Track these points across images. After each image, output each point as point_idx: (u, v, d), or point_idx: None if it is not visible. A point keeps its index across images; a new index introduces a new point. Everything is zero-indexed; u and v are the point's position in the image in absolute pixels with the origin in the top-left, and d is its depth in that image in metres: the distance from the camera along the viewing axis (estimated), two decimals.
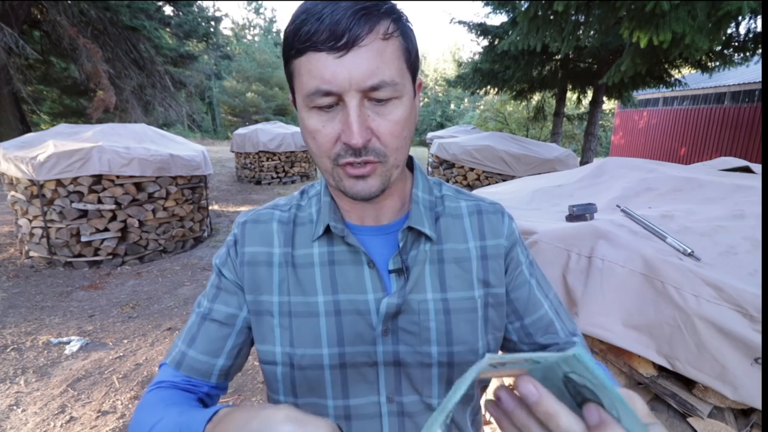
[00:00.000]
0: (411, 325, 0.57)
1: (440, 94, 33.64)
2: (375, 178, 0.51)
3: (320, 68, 0.45)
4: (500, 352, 0.67)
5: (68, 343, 2.84)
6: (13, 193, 4.15)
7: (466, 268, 0.60)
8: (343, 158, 0.49)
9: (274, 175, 9.49)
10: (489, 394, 1.76)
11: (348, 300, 0.57)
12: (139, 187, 4.28)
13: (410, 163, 0.66)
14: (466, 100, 33.24)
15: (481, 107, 23.87)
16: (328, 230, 0.59)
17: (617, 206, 1.54)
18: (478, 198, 0.66)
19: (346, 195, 0.53)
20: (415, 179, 0.63)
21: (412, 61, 0.52)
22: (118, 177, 4.06)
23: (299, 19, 0.46)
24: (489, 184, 5.42)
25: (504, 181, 5.47)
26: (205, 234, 5.40)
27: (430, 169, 7.39)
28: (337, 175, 0.51)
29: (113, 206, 4.08)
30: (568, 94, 9.46)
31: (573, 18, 5.44)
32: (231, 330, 0.60)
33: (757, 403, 0.92)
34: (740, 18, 4.35)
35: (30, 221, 4.08)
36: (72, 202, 3.96)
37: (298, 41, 0.46)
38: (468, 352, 0.58)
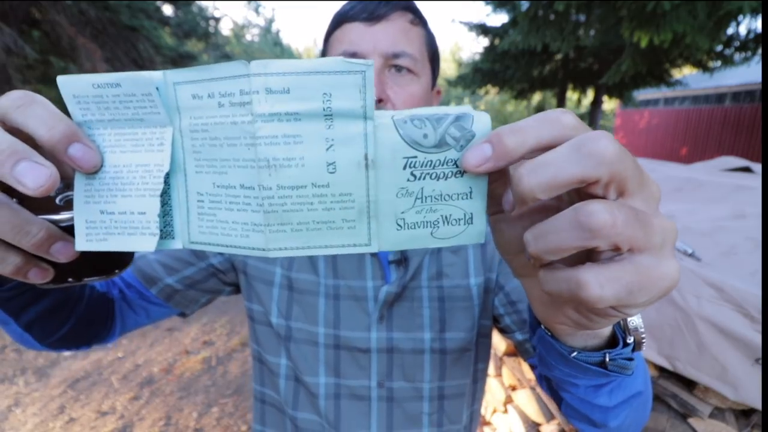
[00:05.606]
0: (405, 311, 0.58)
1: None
2: None
3: (350, 34, 0.52)
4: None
5: None
6: None
7: (462, 256, 0.60)
8: None
9: None
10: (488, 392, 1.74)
11: (347, 286, 0.58)
12: None
13: None
14: (466, 99, 33.25)
15: (482, 107, 23.88)
16: None
17: None
18: None
19: None
20: None
21: (432, 55, 0.58)
22: None
23: (343, 5, 0.55)
24: None
25: None
26: None
27: None
28: None
29: None
30: (569, 94, 9.46)
31: (573, 18, 5.44)
32: (198, 262, 0.61)
33: (758, 404, 0.92)
34: (741, 18, 4.35)
35: None
36: None
37: (337, 17, 0.54)
38: (462, 339, 0.59)
